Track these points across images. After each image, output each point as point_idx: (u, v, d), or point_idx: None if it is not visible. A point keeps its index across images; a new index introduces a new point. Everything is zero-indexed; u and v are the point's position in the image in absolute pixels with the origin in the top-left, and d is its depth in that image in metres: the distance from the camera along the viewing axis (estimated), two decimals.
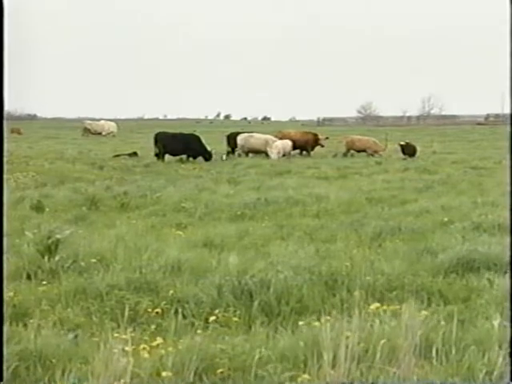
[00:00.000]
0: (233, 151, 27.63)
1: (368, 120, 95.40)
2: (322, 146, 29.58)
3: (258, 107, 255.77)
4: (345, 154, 28.16)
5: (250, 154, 27.30)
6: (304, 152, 29.60)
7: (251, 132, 30.02)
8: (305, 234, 9.14)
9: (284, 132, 30.56)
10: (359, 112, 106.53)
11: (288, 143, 26.87)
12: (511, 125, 7.14)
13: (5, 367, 3.97)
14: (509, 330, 4.28)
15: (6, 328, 4.39)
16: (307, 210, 11.41)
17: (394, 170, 20.12)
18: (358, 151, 28.50)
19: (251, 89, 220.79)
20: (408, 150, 26.22)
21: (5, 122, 3.99)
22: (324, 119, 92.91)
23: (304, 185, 15.45)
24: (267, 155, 26.17)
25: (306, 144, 29.29)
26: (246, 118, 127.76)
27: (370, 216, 10.26)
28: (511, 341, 4.13)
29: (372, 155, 27.60)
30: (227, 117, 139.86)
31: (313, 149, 29.45)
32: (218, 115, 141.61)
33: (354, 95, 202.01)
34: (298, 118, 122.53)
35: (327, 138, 30.54)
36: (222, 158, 25.16)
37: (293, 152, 27.66)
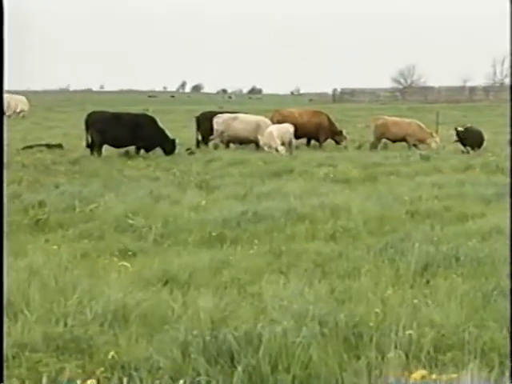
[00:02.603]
0: (203, 140, 27.70)
1: (409, 93, 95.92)
2: (341, 144, 29.32)
3: (242, 74, 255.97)
4: (374, 145, 28.28)
5: (233, 145, 27.40)
6: (313, 141, 29.73)
7: (234, 112, 30.12)
8: (314, 265, 9.19)
9: (284, 112, 30.66)
10: (396, 81, 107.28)
11: (289, 129, 26.92)
12: (510, 121, 7.37)
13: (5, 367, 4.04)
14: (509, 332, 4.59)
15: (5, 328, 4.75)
16: (318, 230, 11.45)
17: (448, 169, 20.20)
18: (395, 140, 28.62)
19: (233, 48, 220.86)
20: (470, 139, 26.36)
21: (5, 119, 4.10)
22: (343, 92, 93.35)
23: (313, 191, 15.48)
24: (258, 146, 26.25)
25: (316, 130, 29.40)
26: (224, 91, 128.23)
27: (413, 238, 10.30)
28: (511, 341, 4.64)
29: (415, 146, 27.74)
30: (197, 88, 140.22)
31: (326, 138, 29.53)
32: (183, 86, 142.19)
33: (388, 57, 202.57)
34: (303, 91, 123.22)
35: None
36: (189, 150, 25.20)
37: (296, 142, 27.76)
